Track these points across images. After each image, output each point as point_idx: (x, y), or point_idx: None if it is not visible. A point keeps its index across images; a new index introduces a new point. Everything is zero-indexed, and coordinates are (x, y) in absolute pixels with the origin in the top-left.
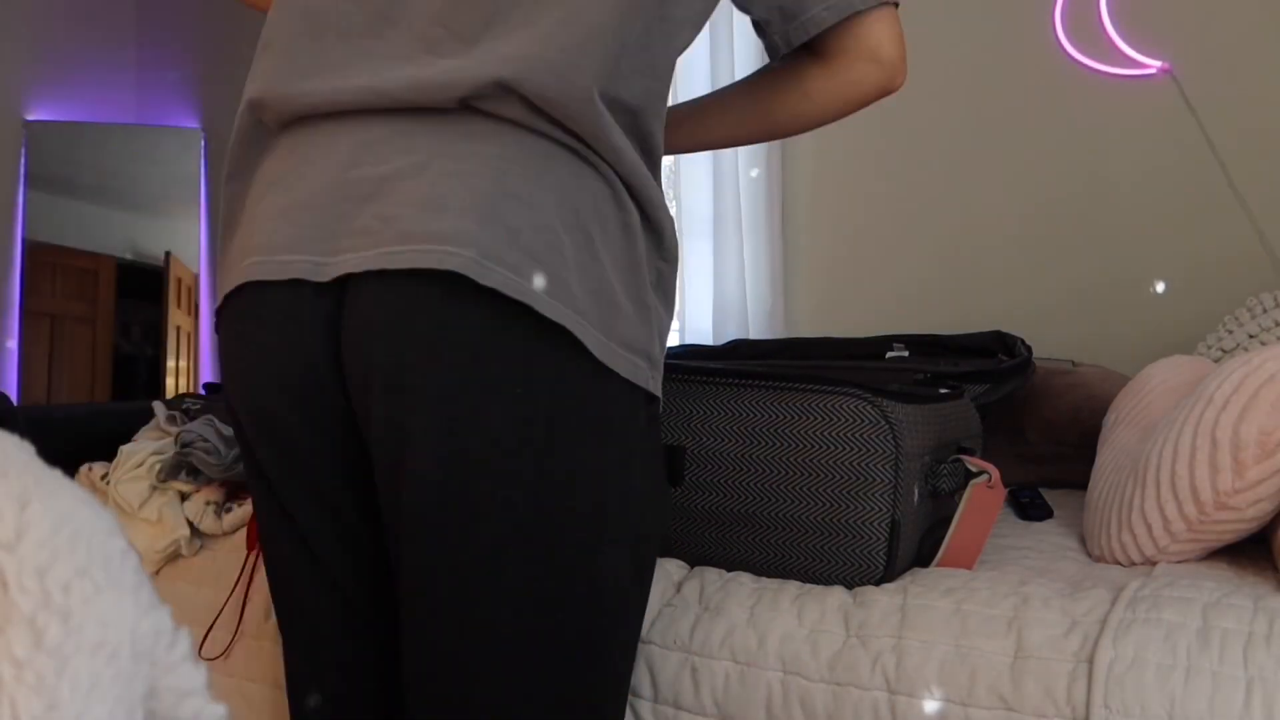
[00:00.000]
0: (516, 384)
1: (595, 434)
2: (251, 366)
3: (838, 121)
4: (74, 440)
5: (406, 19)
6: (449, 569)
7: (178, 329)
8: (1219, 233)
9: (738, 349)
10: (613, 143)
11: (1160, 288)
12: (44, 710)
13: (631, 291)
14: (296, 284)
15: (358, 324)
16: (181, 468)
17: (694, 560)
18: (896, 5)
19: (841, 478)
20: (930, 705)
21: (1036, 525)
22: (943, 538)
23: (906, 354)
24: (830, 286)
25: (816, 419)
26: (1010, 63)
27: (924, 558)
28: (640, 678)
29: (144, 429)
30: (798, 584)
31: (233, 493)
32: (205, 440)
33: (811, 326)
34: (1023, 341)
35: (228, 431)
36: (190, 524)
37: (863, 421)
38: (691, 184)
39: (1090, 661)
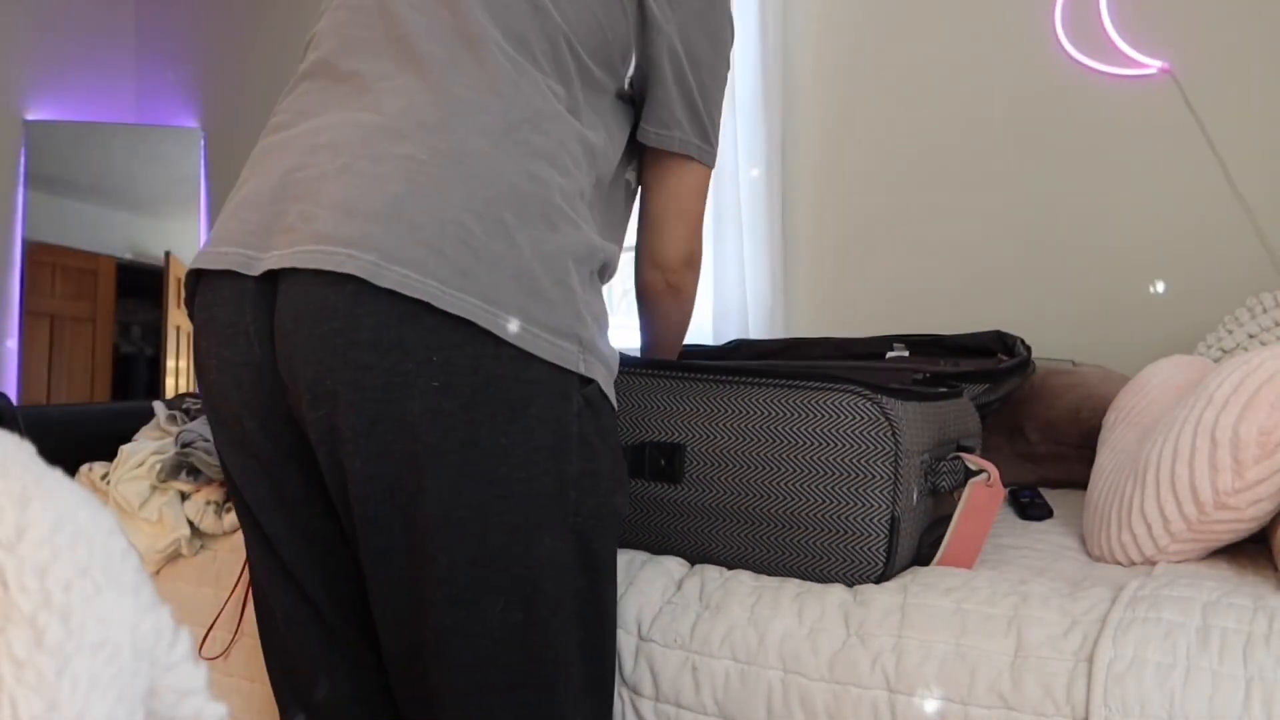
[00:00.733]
0: (433, 377)
1: (520, 419)
2: (211, 366)
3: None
4: (74, 440)
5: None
6: (392, 561)
7: (178, 329)
8: (1219, 233)
9: (738, 349)
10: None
11: (1160, 288)
12: (44, 709)
13: (556, 275)
14: (236, 278)
15: (283, 325)
16: (182, 467)
17: (694, 558)
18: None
19: (841, 474)
20: (930, 704)
21: (1036, 525)
22: (942, 537)
23: (906, 354)
24: (830, 286)
25: (816, 416)
26: (1010, 62)
27: (924, 557)
28: (642, 676)
29: (144, 429)
30: (798, 583)
31: None
32: (205, 440)
33: (811, 326)
34: (1022, 341)
35: None
36: (190, 524)
37: (862, 418)
38: None
39: (1090, 661)
